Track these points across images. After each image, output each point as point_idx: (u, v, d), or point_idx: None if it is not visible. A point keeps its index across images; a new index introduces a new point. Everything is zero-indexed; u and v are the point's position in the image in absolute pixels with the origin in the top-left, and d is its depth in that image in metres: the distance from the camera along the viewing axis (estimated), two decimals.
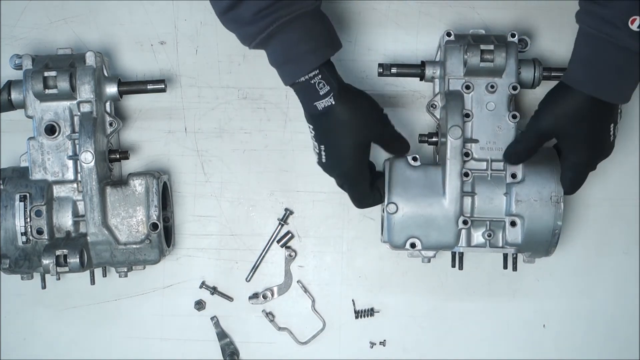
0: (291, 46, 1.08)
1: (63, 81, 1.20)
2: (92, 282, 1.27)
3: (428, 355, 1.34)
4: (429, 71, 1.25)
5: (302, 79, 1.10)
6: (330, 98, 1.10)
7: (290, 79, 1.11)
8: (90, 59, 1.23)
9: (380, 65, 1.26)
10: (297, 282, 1.35)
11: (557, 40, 1.31)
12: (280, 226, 1.34)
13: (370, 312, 1.34)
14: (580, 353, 1.34)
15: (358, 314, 1.34)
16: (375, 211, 1.32)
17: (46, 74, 1.20)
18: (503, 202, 1.20)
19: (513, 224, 1.20)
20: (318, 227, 1.35)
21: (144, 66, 1.34)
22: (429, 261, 1.25)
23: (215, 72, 1.34)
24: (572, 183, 1.18)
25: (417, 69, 1.25)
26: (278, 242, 1.34)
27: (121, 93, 1.27)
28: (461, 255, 1.24)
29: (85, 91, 1.22)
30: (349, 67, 1.33)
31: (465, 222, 1.19)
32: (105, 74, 1.27)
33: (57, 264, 1.18)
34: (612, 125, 1.13)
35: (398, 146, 1.21)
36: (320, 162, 1.18)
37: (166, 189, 1.31)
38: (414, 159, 1.21)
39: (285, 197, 1.34)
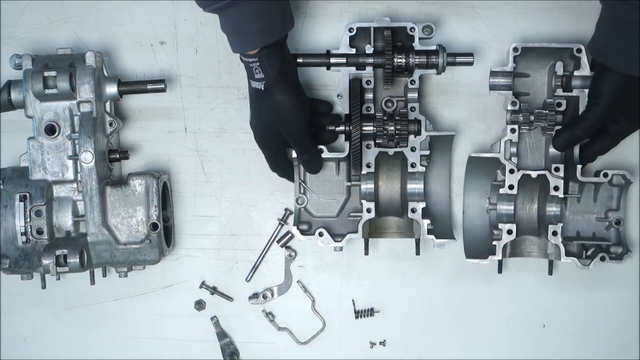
0: (242, 21, 1.08)
1: (63, 81, 1.20)
2: (92, 282, 1.27)
3: (428, 355, 1.34)
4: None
5: (244, 59, 1.13)
6: (262, 85, 1.14)
7: (238, 50, 1.12)
8: (90, 59, 1.23)
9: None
10: (297, 282, 1.35)
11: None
12: (280, 226, 1.34)
13: (370, 312, 1.34)
14: (580, 353, 1.34)
15: (358, 314, 1.34)
16: None
17: (46, 73, 1.20)
18: None
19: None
20: None
21: (144, 66, 1.34)
22: (341, 249, 1.26)
23: (215, 72, 1.34)
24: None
25: (323, 59, 1.25)
26: (278, 242, 1.34)
27: (121, 93, 1.27)
28: (417, 241, 1.28)
29: (85, 91, 1.22)
30: None
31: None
32: (105, 74, 1.27)
33: (57, 264, 1.18)
34: None
35: (308, 161, 1.25)
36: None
37: (166, 189, 1.31)
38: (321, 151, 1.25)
39: (285, 197, 1.34)
